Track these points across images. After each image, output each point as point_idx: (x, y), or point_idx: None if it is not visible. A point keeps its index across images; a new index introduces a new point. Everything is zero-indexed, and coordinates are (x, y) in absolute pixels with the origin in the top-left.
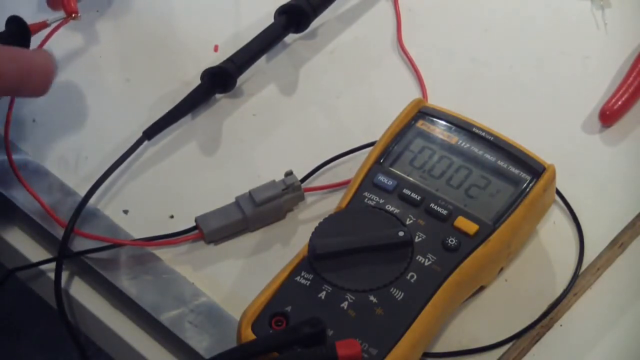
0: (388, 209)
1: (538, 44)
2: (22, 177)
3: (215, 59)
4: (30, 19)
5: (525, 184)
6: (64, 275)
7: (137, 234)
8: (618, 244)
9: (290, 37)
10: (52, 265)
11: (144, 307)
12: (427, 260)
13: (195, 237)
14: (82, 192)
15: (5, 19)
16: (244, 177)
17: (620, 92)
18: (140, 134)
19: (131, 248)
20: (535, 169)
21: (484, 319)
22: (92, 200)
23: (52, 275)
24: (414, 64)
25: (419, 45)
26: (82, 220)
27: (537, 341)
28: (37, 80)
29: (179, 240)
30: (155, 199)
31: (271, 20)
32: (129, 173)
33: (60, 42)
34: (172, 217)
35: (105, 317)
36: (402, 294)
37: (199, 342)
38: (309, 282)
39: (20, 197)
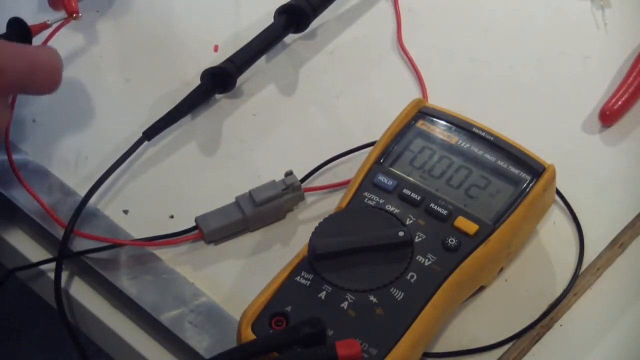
0: (388, 209)
1: (538, 44)
2: (22, 177)
3: (215, 59)
4: (30, 19)
5: (525, 184)
6: (64, 275)
7: (137, 234)
8: (618, 244)
9: (290, 37)
10: (52, 265)
11: (144, 307)
12: (427, 260)
13: (195, 237)
14: (82, 192)
15: (6, 19)
16: (244, 177)
17: (620, 92)
18: (140, 134)
19: (131, 248)
20: (535, 169)
21: (484, 319)
22: (92, 200)
23: (52, 275)
24: (414, 64)
25: (419, 45)
26: (82, 220)
27: (537, 341)
28: (42, 77)
29: (179, 240)
30: (155, 199)
31: (271, 20)
32: (129, 173)
33: (61, 42)
34: (172, 217)
35: (105, 317)
36: (402, 294)
37: (199, 342)
38: (309, 282)
39: (20, 197)
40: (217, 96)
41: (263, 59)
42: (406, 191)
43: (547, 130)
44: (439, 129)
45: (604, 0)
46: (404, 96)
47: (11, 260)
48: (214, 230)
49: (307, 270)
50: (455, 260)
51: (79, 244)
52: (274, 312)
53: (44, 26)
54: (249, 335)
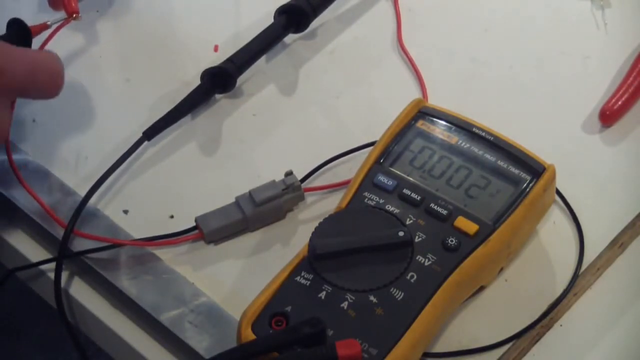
0: (388, 209)
1: (538, 44)
2: (22, 177)
3: (215, 59)
4: (31, 19)
5: (525, 184)
6: (64, 275)
7: (137, 234)
8: (618, 244)
9: (290, 37)
10: (52, 265)
11: (144, 307)
12: (427, 260)
13: (195, 237)
14: (82, 192)
15: (7, 19)
16: (244, 177)
17: (620, 92)
18: (140, 134)
19: (131, 248)
20: (535, 169)
21: (484, 319)
22: (92, 200)
23: (52, 275)
24: (414, 64)
25: (419, 45)
26: (82, 220)
27: (537, 341)
28: (43, 80)
29: (179, 240)
30: (155, 199)
31: (271, 20)
32: (129, 173)
33: (61, 42)
34: (172, 217)
35: (105, 317)
36: (402, 294)
37: (199, 342)
38: (309, 282)
39: (20, 197)
40: (217, 96)
41: (263, 59)
42: (406, 191)
43: (547, 130)
44: (439, 129)
45: (604, 0)
46: (404, 96)
47: (11, 260)
48: (214, 230)
49: (307, 270)
50: (455, 260)
51: (79, 244)
52: (274, 312)
53: (44, 27)
54: (249, 335)
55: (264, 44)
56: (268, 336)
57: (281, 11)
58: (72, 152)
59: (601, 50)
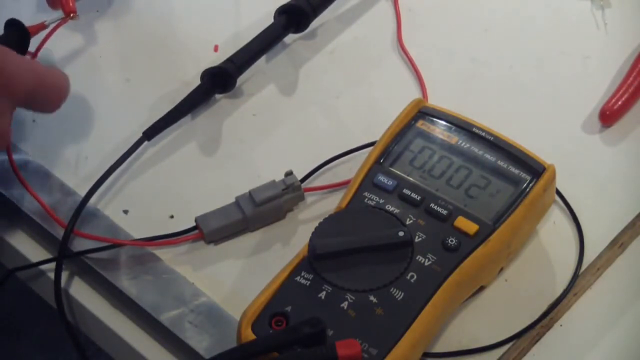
0: (388, 209)
1: (538, 44)
2: (22, 177)
3: (215, 59)
4: (30, 19)
5: (525, 184)
6: (64, 275)
7: (137, 234)
8: (618, 244)
9: (290, 37)
10: (52, 265)
11: (144, 307)
12: (427, 260)
13: (195, 237)
14: (82, 192)
15: (6, 19)
16: (244, 177)
17: (620, 92)
18: (140, 134)
19: (131, 248)
20: (535, 169)
21: (484, 319)
22: (92, 200)
23: (52, 275)
24: (414, 64)
25: (419, 45)
26: (82, 220)
27: (537, 341)
28: (49, 94)
29: (179, 240)
30: (155, 199)
31: (271, 20)
32: (129, 173)
33: (61, 42)
34: (172, 217)
35: (105, 317)
36: (402, 294)
37: (199, 342)
38: (309, 282)
39: (20, 197)
40: (217, 96)
41: (263, 59)
42: (406, 191)
43: (547, 130)
44: (439, 129)
45: (604, 0)
46: (404, 96)
47: (11, 260)
48: (214, 230)
49: (307, 270)
50: (455, 260)
51: (79, 244)
52: (274, 312)
53: (42, 27)
54: (249, 335)
55: (264, 44)
56: (268, 336)
57: (281, 11)
58: (72, 152)
59: (601, 50)
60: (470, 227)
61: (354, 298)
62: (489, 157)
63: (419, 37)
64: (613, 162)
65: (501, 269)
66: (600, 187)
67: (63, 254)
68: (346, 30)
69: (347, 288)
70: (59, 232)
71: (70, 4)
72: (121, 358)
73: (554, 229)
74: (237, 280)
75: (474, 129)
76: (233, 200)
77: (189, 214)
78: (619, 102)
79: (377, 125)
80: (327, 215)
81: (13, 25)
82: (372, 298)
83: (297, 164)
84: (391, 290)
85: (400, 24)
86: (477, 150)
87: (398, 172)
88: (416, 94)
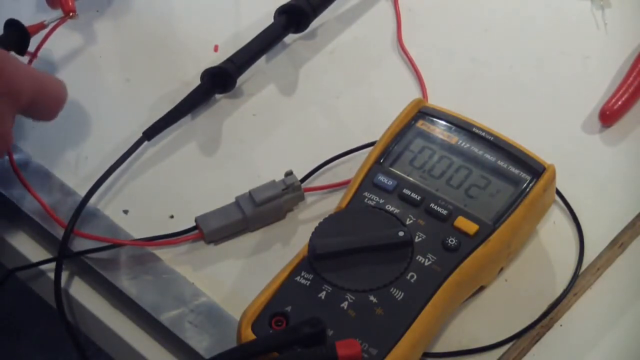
0: (388, 209)
1: (538, 44)
2: (22, 177)
3: (215, 59)
4: (29, 19)
5: (525, 184)
6: (64, 275)
7: (137, 234)
8: (618, 244)
9: (290, 37)
10: (52, 265)
11: (144, 307)
12: (427, 260)
13: (195, 237)
14: (82, 192)
15: (7, 19)
16: (244, 177)
17: (620, 92)
18: (140, 134)
19: (131, 248)
20: (535, 169)
21: (484, 319)
22: (92, 200)
23: (52, 275)
24: (414, 64)
25: (419, 45)
26: (82, 220)
27: (537, 341)
28: (49, 102)
29: (179, 240)
30: (155, 199)
31: (271, 20)
32: (129, 173)
33: (61, 42)
34: (172, 217)
35: (105, 317)
36: (402, 294)
37: (199, 342)
38: (309, 282)
39: (20, 197)
40: (217, 96)
41: (263, 59)
42: (406, 191)
43: (547, 130)
44: (439, 129)
45: (604, 0)
46: (404, 96)
47: (11, 260)
48: (214, 230)
49: (307, 270)
50: (455, 260)
51: (79, 244)
52: (274, 312)
53: (41, 26)
54: (249, 335)
55: (264, 44)
56: (268, 336)
57: (281, 11)
58: (72, 152)
59: (601, 50)
60: (470, 227)
61: (354, 298)
62: (489, 157)
63: (419, 37)
64: (613, 162)
65: (501, 269)
66: (600, 187)
67: (63, 254)
68: (346, 30)
69: (347, 288)
70: (59, 232)
71: (70, 3)
72: (121, 358)
73: (554, 229)
74: (237, 280)
75: (474, 129)
76: (233, 200)
77: (189, 214)
78: (619, 102)
79: (377, 125)
80: (327, 215)
81: (12, 25)
82: (372, 298)
83: (297, 164)
84: (391, 290)
85: (400, 24)
86: (477, 150)
87: (398, 172)
88: (416, 94)
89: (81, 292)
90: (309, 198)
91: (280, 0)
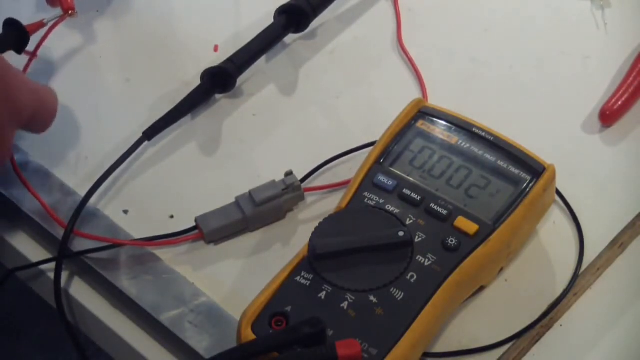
0: (388, 209)
1: (538, 44)
2: (22, 177)
3: (215, 59)
4: (29, 19)
5: (525, 184)
6: (64, 275)
7: (137, 234)
8: (618, 244)
9: (290, 37)
10: (52, 265)
11: (144, 307)
12: (427, 260)
13: (195, 237)
14: (82, 192)
15: (6, 18)
16: (244, 177)
17: (620, 92)
18: (140, 134)
19: (131, 248)
20: (535, 169)
21: (484, 319)
22: (92, 200)
23: (52, 275)
24: (414, 64)
25: (419, 45)
26: (82, 220)
27: (537, 341)
28: (45, 117)
29: (179, 240)
30: (155, 199)
31: (271, 20)
32: (129, 173)
33: (60, 42)
34: (172, 217)
35: (105, 317)
36: (402, 294)
37: (199, 342)
38: (309, 282)
39: (20, 197)
40: (217, 96)
41: (263, 59)
42: (406, 191)
43: (547, 130)
44: (439, 129)
45: (604, 0)
46: (404, 96)
47: (11, 260)
48: (214, 230)
49: (307, 270)
50: (455, 260)
51: (79, 244)
52: (274, 312)
53: (40, 25)
54: (249, 335)
55: (264, 44)
56: (268, 336)
57: (281, 11)
58: (72, 152)
59: (601, 50)
60: (470, 227)
61: (354, 298)
62: (489, 157)
63: (419, 37)
64: (613, 162)
65: (501, 269)
66: (600, 187)
67: (63, 254)
68: (346, 30)
69: (347, 288)
70: (59, 232)
71: (69, 1)
72: (121, 358)
73: (554, 229)
74: (237, 280)
75: (474, 129)
76: (233, 200)
77: (189, 214)
78: (619, 102)
79: (377, 125)
80: (327, 215)
81: (11, 24)
82: (372, 298)
83: (297, 164)
84: (391, 290)
85: (400, 24)
86: (477, 150)
87: (398, 172)
88: (416, 94)
89: (81, 292)
90: (309, 198)
91: (280, 0)
